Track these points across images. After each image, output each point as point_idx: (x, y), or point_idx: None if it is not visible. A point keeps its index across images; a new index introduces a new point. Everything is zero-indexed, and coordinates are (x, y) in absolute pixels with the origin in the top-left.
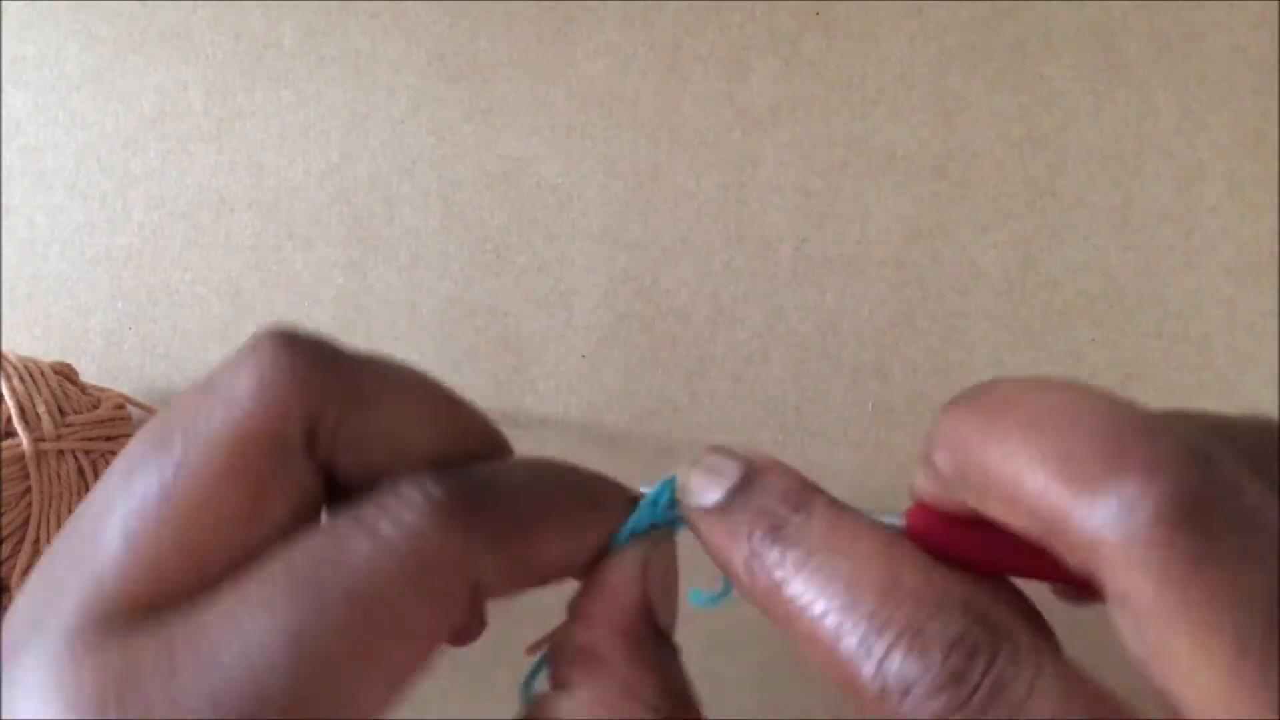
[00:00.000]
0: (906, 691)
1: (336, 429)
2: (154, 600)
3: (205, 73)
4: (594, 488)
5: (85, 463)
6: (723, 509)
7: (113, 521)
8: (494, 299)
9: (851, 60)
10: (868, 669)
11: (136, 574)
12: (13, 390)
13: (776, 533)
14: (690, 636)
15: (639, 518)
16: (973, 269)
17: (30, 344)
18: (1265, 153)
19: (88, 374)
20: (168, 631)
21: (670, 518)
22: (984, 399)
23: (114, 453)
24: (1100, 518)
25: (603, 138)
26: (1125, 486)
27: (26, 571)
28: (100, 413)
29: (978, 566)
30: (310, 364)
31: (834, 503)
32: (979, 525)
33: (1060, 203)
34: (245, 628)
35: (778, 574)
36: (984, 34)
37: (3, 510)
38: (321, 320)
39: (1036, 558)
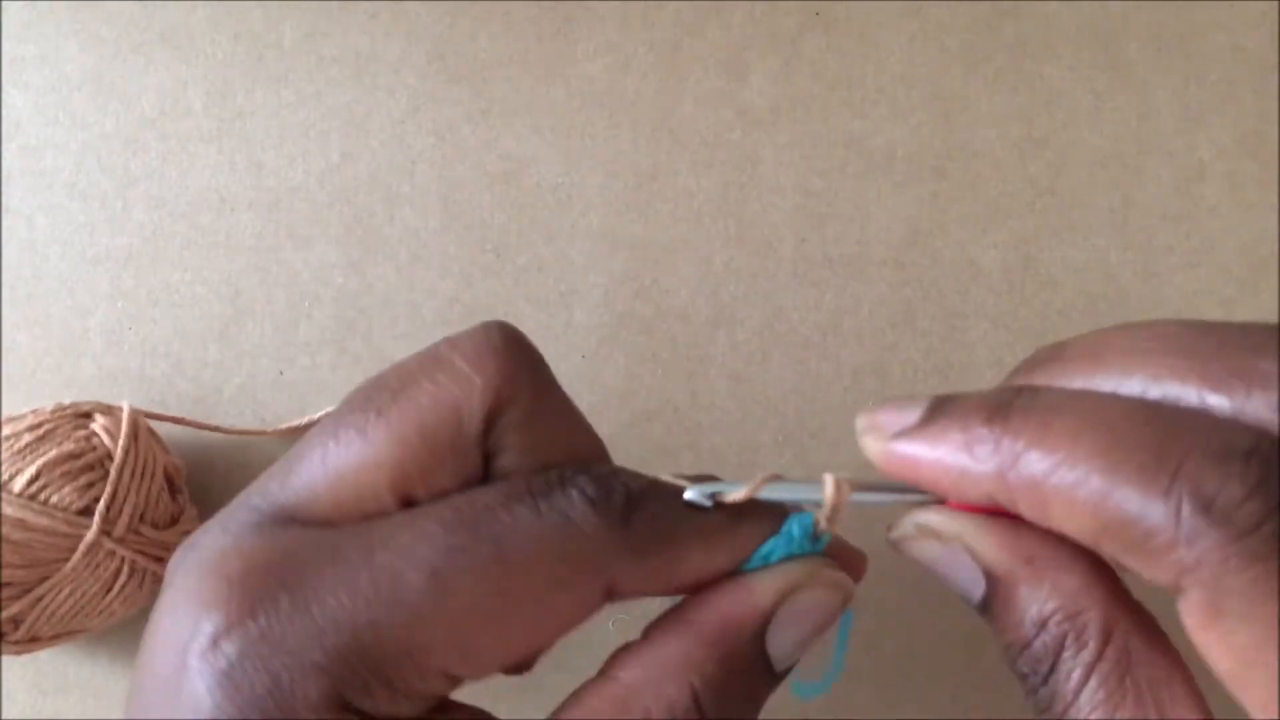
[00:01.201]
0: (1209, 507)
1: (514, 422)
2: (332, 516)
3: (205, 73)
4: (757, 516)
5: (126, 569)
6: (926, 420)
7: (316, 442)
8: (494, 299)
9: (851, 60)
10: (1158, 503)
11: (321, 490)
12: (117, 478)
13: (1004, 410)
14: None
15: (772, 547)
16: (973, 269)
17: (30, 344)
18: (1265, 153)
19: (87, 374)
20: (337, 536)
21: (811, 549)
22: (1030, 402)
23: (159, 566)
24: (1166, 509)
25: (603, 138)
26: (1199, 485)
27: (15, 620)
28: (173, 532)
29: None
30: (515, 355)
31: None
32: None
33: (1060, 203)
34: (400, 545)
35: (1017, 444)
36: (984, 34)
37: (28, 566)
38: (321, 320)
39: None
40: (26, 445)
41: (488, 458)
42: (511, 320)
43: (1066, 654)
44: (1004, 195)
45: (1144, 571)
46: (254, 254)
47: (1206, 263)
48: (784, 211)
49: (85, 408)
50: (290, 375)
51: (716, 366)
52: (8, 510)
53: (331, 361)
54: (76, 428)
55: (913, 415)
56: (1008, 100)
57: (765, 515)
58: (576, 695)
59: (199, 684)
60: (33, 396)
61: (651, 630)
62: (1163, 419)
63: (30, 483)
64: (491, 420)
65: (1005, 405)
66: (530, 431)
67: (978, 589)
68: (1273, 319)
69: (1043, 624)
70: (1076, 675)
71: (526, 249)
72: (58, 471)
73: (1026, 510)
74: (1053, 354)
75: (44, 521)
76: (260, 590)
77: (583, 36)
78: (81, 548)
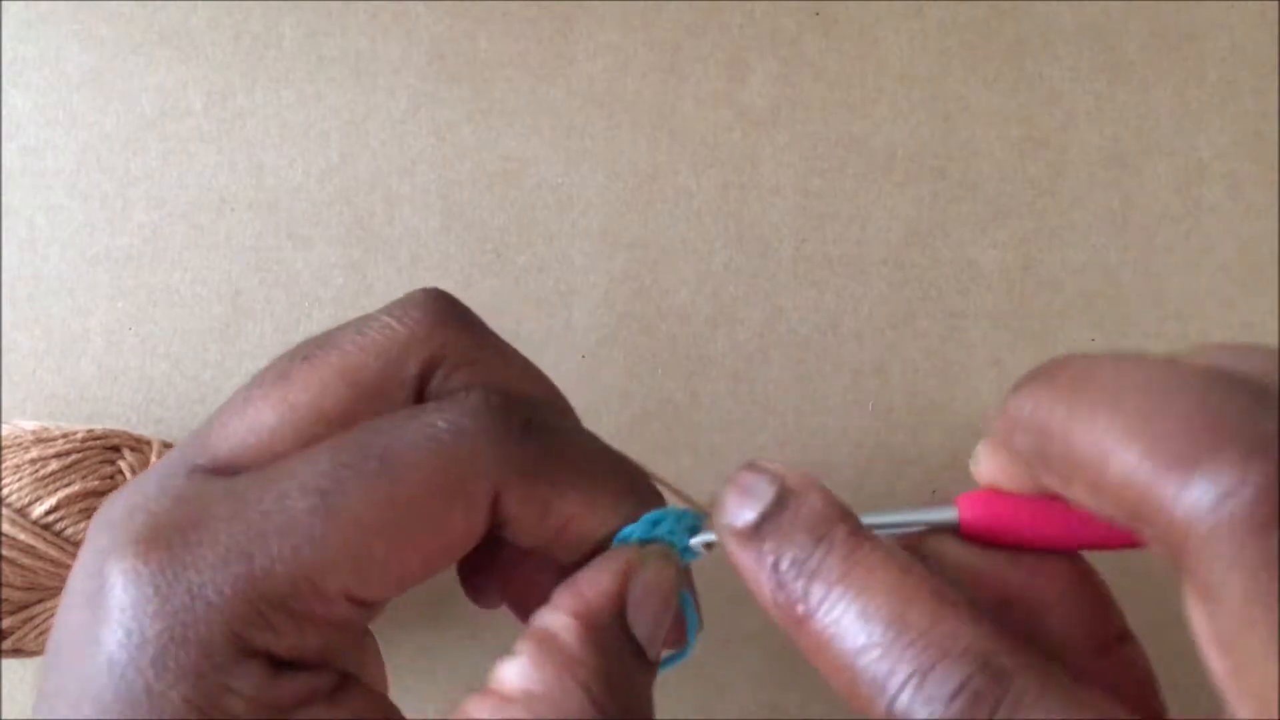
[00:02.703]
0: (1220, 487)
1: (452, 367)
2: (249, 464)
3: (205, 73)
4: (635, 482)
5: None
6: (753, 531)
7: (240, 395)
8: (494, 299)
9: (851, 60)
10: (882, 704)
11: (241, 440)
12: None
13: (800, 565)
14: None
15: (637, 526)
16: (973, 269)
17: (30, 344)
18: (1265, 153)
19: (88, 374)
20: (239, 478)
21: (678, 542)
22: (1062, 375)
23: None
24: (1191, 503)
25: (603, 138)
26: (1220, 471)
27: (4, 632)
28: None
29: (1039, 545)
30: (444, 310)
31: (855, 532)
32: (1041, 503)
33: (1060, 203)
34: (290, 472)
35: (800, 608)
36: (984, 34)
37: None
38: (321, 320)
39: (1104, 532)
40: (52, 473)
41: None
42: (511, 320)
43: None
44: (1004, 195)
45: (1157, 549)
46: (254, 254)
47: (1206, 263)
48: (784, 211)
49: (116, 440)
50: None
51: (716, 366)
52: (20, 536)
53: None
54: (104, 461)
55: (750, 513)
56: (1008, 100)
57: (645, 496)
58: (458, 712)
59: (101, 633)
60: (33, 396)
61: (523, 642)
62: (1198, 391)
63: (49, 512)
64: (425, 370)
65: (803, 562)
66: (469, 377)
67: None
68: (1273, 319)
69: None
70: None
71: (526, 249)
72: (77, 506)
73: (813, 656)
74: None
75: (54, 553)
76: (156, 537)
77: (583, 36)
78: None
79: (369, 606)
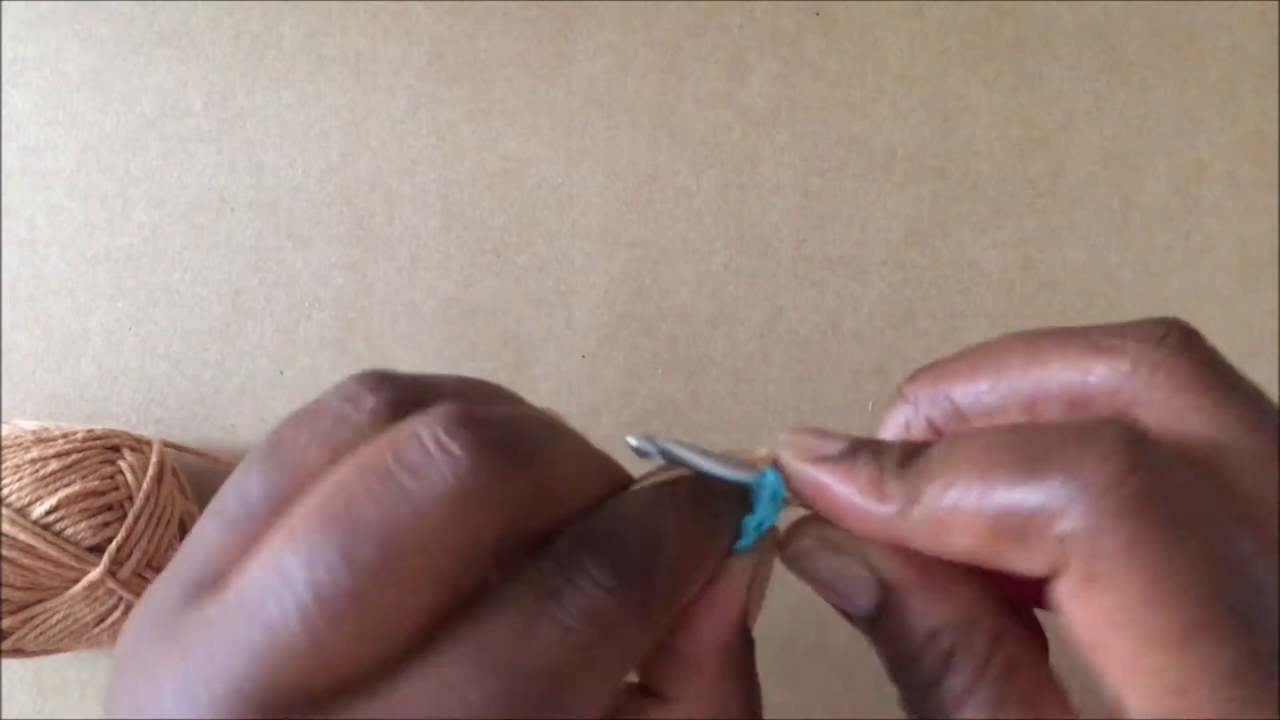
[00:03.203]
0: (1075, 477)
1: (529, 528)
2: (335, 688)
3: (205, 73)
4: (711, 511)
5: (121, 608)
6: (847, 455)
7: (293, 603)
8: (494, 299)
9: (851, 60)
10: (1033, 488)
11: (316, 663)
12: (133, 523)
13: (905, 464)
14: None
15: (745, 538)
16: (973, 269)
17: (30, 344)
18: (1265, 153)
19: (88, 374)
20: (361, 713)
21: (772, 519)
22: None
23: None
24: (1049, 495)
25: (603, 138)
26: (1068, 463)
27: (4, 632)
28: None
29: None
30: (509, 470)
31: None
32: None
33: (1060, 203)
34: (441, 707)
35: (919, 483)
36: (984, 34)
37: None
38: (322, 320)
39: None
40: (52, 473)
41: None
42: (511, 320)
43: (957, 661)
44: (1004, 195)
45: (1033, 564)
46: (254, 254)
47: (1206, 263)
48: (784, 211)
49: (116, 440)
50: (290, 375)
51: (716, 366)
52: (20, 536)
53: (331, 361)
54: (104, 461)
55: (834, 447)
56: (1008, 100)
57: (731, 501)
58: None
59: None
60: (33, 396)
61: (661, 682)
62: (1029, 425)
63: (49, 512)
64: (501, 540)
65: (917, 454)
66: (545, 517)
67: (868, 600)
68: (1273, 319)
69: (934, 635)
70: (963, 683)
71: (526, 249)
72: (77, 506)
73: (924, 541)
74: (934, 364)
75: (53, 553)
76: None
77: (583, 36)
78: (84, 582)
79: None
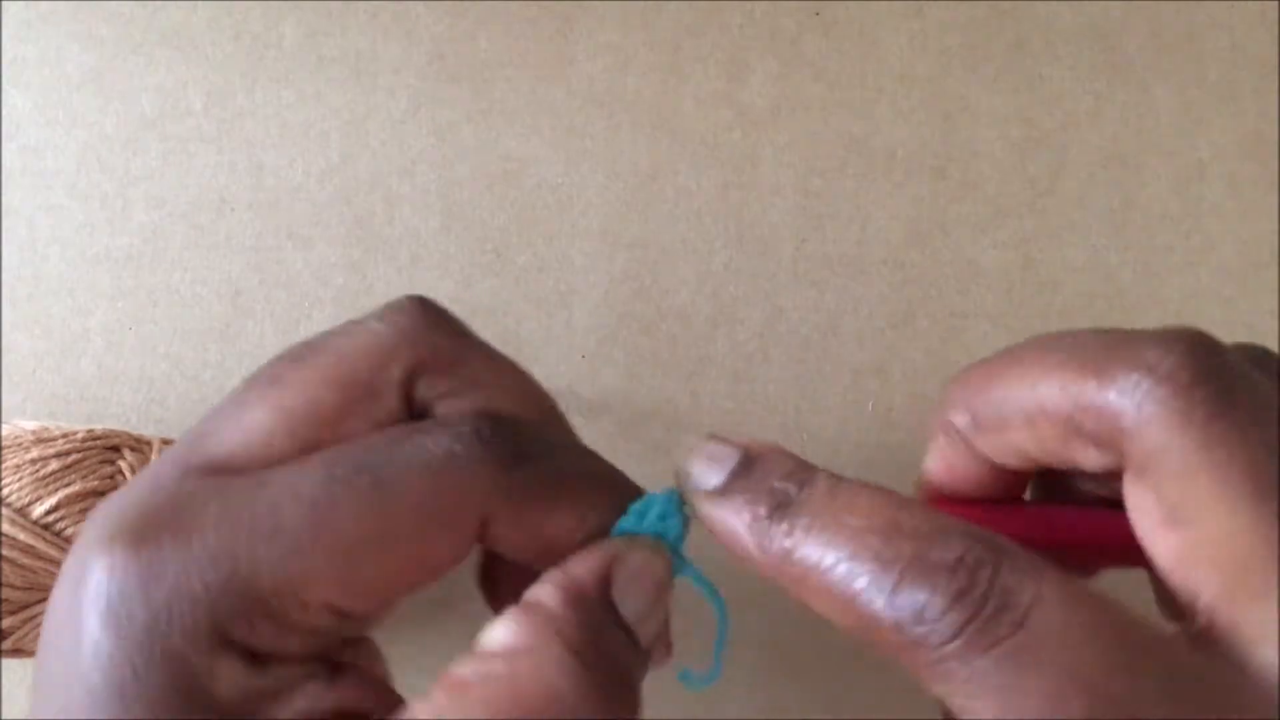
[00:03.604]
0: (919, 618)
1: (437, 372)
2: (240, 464)
3: (205, 73)
4: (619, 486)
5: None
6: (725, 490)
7: (235, 395)
8: (494, 299)
9: (851, 60)
10: (880, 606)
11: (234, 443)
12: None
13: (782, 508)
14: (691, 637)
15: (626, 520)
16: (973, 269)
17: (30, 344)
18: (1265, 153)
19: (88, 374)
20: (230, 479)
21: (663, 530)
22: (978, 364)
23: None
24: (1120, 388)
25: (603, 138)
26: (1142, 358)
27: (4, 632)
28: None
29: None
30: (430, 314)
31: (833, 475)
32: (990, 507)
33: (1060, 203)
34: (283, 480)
35: (786, 542)
36: (984, 34)
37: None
38: (321, 320)
39: (1052, 528)
40: (53, 473)
41: (419, 408)
42: (511, 320)
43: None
44: (1004, 195)
45: (1106, 459)
46: (254, 254)
47: (1206, 263)
48: (784, 211)
49: (116, 440)
50: None
51: (716, 366)
52: (20, 536)
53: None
54: (104, 461)
55: (717, 475)
56: (1008, 100)
57: (624, 492)
58: (445, 673)
59: (88, 622)
60: (33, 396)
61: (506, 613)
62: (1105, 331)
63: (49, 512)
64: (412, 374)
65: (786, 503)
66: (454, 379)
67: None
68: (1273, 319)
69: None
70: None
71: (526, 249)
72: (77, 506)
73: (795, 594)
74: (964, 375)
75: (54, 553)
76: (146, 532)
77: (583, 36)
78: None
79: (351, 617)
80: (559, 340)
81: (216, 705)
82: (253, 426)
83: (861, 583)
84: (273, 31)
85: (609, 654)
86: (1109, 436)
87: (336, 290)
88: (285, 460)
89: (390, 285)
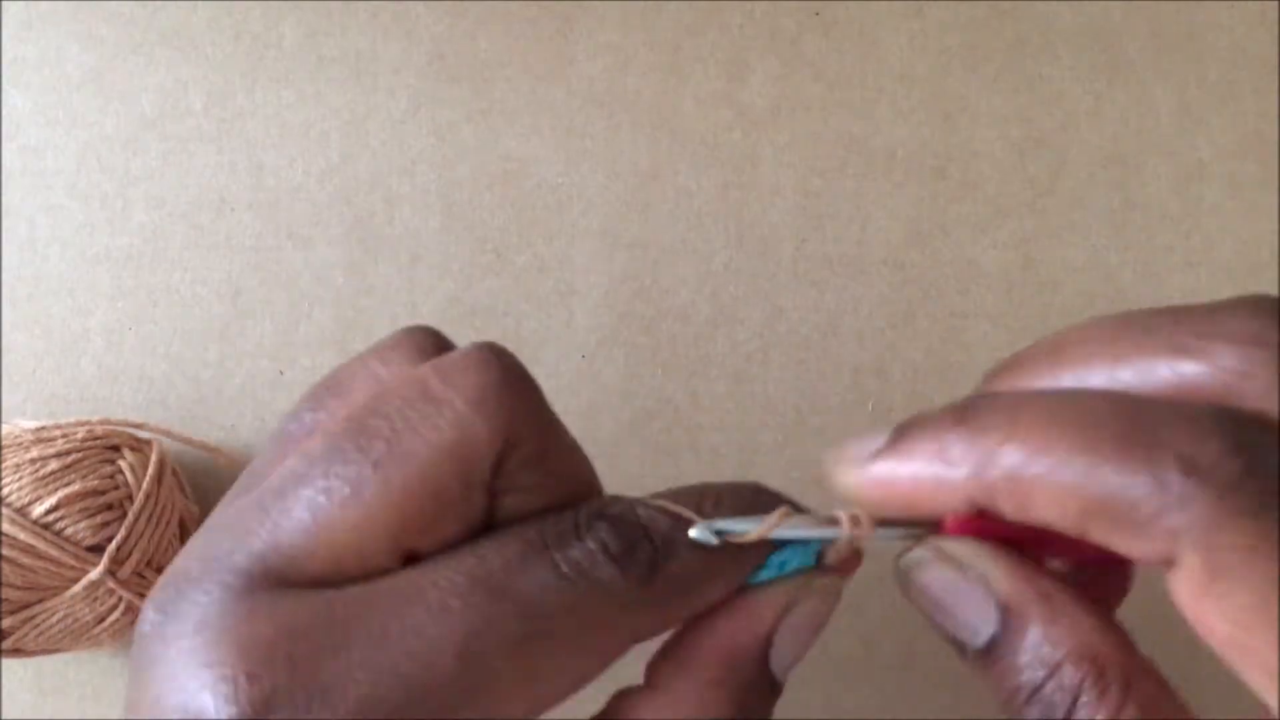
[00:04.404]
0: (1193, 469)
1: (522, 463)
2: (325, 577)
3: (205, 73)
4: (736, 559)
5: (122, 607)
6: (895, 441)
7: (302, 494)
8: (494, 299)
9: (851, 60)
10: (1142, 472)
11: (315, 548)
12: (133, 522)
13: (970, 414)
14: None
15: (764, 571)
16: (973, 269)
17: (30, 344)
18: (1265, 153)
19: (88, 374)
20: (343, 606)
21: (801, 560)
22: (987, 416)
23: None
24: (1161, 485)
25: (603, 138)
26: (1182, 452)
27: (3, 631)
28: None
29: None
30: (521, 393)
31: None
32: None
33: (1060, 203)
34: (417, 620)
35: (992, 439)
36: (984, 34)
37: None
38: (322, 320)
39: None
40: (52, 473)
41: (492, 498)
42: (511, 320)
43: (1085, 699)
44: (1004, 195)
45: (1135, 549)
46: (254, 254)
47: (1206, 263)
48: (784, 211)
49: (116, 439)
50: (290, 375)
51: (716, 366)
52: (21, 535)
53: (331, 361)
54: (103, 461)
55: (879, 440)
56: (1008, 100)
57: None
58: None
59: None
60: (33, 396)
61: (655, 674)
62: (1129, 399)
63: (49, 512)
64: (498, 464)
65: (970, 408)
66: (538, 471)
67: (987, 626)
68: None
69: (1057, 666)
70: (1101, 717)
71: (526, 249)
72: (77, 506)
73: (1008, 507)
74: (1013, 360)
75: (54, 553)
76: (271, 672)
77: (583, 36)
78: (84, 582)
79: None
80: (559, 340)
81: None
82: (336, 536)
83: (1104, 449)
84: (273, 31)
85: (747, 713)
86: (1139, 522)
87: (336, 290)
88: (381, 573)
89: (390, 285)
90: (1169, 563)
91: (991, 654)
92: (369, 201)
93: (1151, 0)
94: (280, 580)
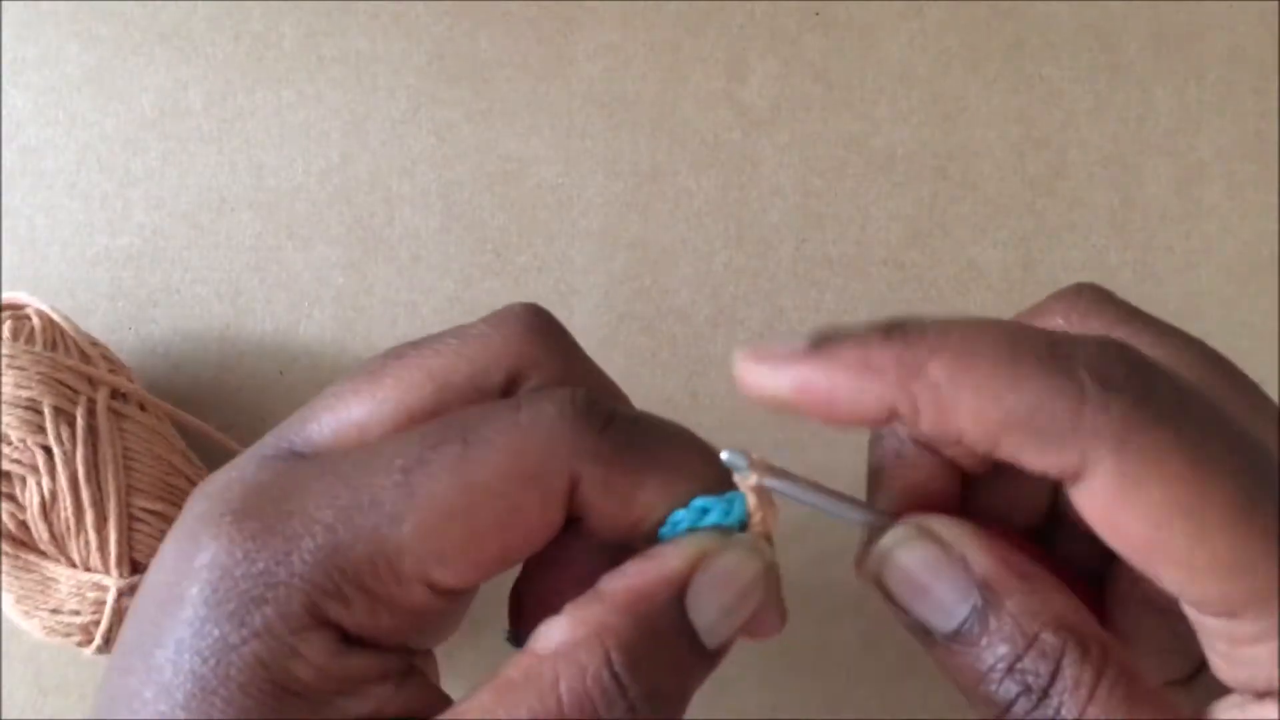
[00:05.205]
0: (1106, 381)
1: (539, 385)
2: (346, 448)
3: (205, 73)
4: (722, 472)
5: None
6: (817, 347)
7: (326, 390)
8: (494, 299)
9: (851, 60)
10: (1061, 383)
11: (332, 431)
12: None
13: (898, 329)
14: None
15: (686, 514)
16: (973, 269)
17: None
18: (1265, 153)
19: None
20: (330, 459)
21: (725, 520)
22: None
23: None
24: (1077, 395)
25: (603, 138)
26: (1094, 366)
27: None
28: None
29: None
30: (539, 333)
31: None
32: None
33: (1060, 203)
34: (379, 453)
35: (920, 352)
36: (984, 34)
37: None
38: (322, 320)
39: None
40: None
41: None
42: None
43: (1069, 662)
44: (1004, 195)
45: (1046, 462)
46: (254, 254)
47: (1206, 263)
48: (784, 211)
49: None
50: (290, 375)
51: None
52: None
53: (331, 361)
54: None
55: (797, 345)
56: (1008, 100)
57: (709, 472)
58: (495, 672)
59: (189, 592)
60: None
61: (568, 605)
62: (1044, 329)
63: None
64: (513, 379)
65: (898, 324)
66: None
67: (962, 606)
68: (1273, 319)
69: (1034, 637)
70: (1086, 681)
71: (526, 249)
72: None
73: (929, 418)
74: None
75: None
76: (250, 511)
77: (583, 36)
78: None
79: (445, 595)
80: None
81: (295, 686)
82: (350, 417)
83: (1025, 362)
84: (273, 31)
85: (662, 665)
86: (1057, 431)
87: (336, 290)
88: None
89: (390, 285)
90: (1076, 475)
91: (962, 636)
92: (369, 201)
93: (1151, 0)
94: (303, 452)
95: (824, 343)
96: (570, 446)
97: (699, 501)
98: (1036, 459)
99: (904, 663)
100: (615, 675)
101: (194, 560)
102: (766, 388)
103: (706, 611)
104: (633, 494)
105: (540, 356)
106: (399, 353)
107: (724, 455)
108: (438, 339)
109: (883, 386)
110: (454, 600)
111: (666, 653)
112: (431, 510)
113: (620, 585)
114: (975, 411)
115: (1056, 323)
